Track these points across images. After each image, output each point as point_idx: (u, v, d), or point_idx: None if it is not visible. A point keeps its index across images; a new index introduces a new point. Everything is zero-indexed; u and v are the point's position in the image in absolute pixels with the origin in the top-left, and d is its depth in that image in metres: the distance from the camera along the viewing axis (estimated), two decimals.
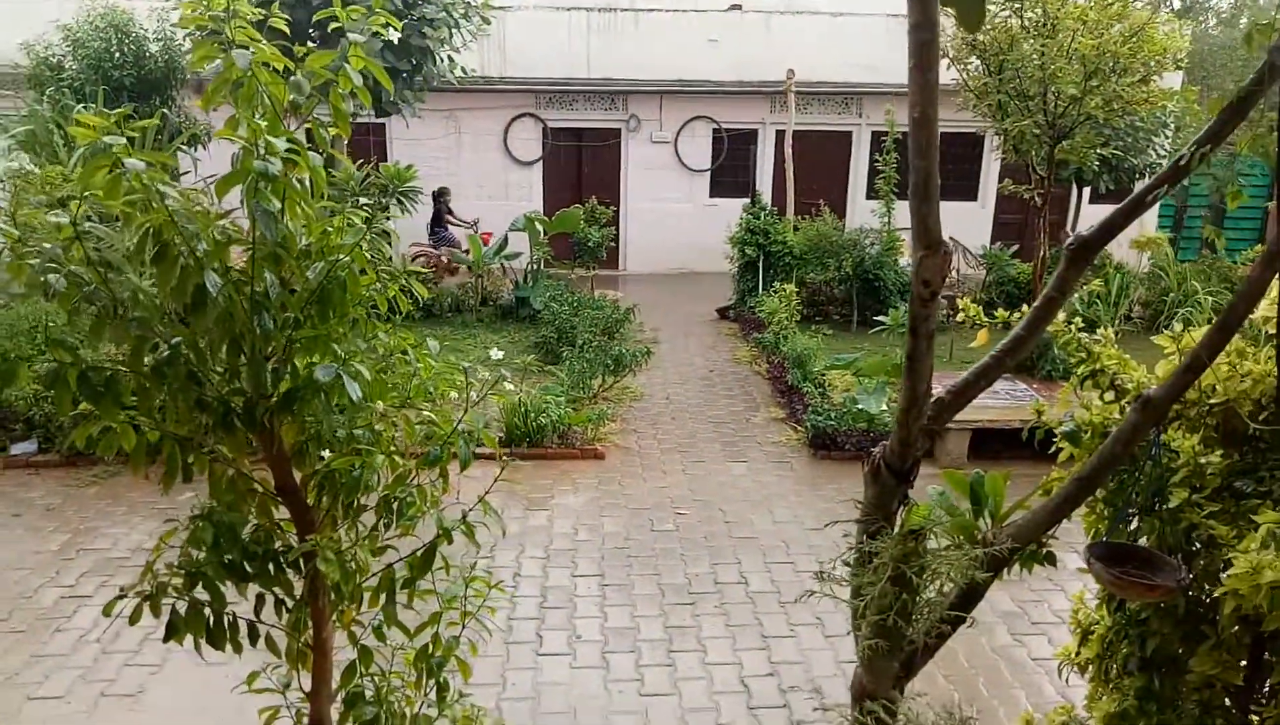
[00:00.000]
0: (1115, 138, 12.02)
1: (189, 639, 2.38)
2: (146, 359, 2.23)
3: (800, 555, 6.24)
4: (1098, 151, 9.63)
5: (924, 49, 1.62)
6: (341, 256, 2.33)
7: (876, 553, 2.13)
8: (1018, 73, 8.90)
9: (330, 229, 2.40)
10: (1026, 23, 8.91)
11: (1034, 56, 8.80)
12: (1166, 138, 13.67)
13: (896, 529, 2.26)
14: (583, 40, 16.62)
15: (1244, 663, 2.67)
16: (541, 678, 4.80)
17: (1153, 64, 8.81)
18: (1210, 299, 11.84)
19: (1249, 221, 18.09)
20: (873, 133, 17.17)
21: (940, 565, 2.10)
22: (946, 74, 9.42)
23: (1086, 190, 14.24)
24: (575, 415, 8.24)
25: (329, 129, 2.42)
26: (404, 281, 2.61)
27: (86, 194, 2.03)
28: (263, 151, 2.10)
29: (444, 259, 13.88)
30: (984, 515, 2.65)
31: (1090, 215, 15.36)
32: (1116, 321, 11.90)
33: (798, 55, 15.54)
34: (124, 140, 1.97)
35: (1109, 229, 2.19)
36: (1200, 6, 27.22)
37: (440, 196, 14.86)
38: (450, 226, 14.76)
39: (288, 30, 2.43)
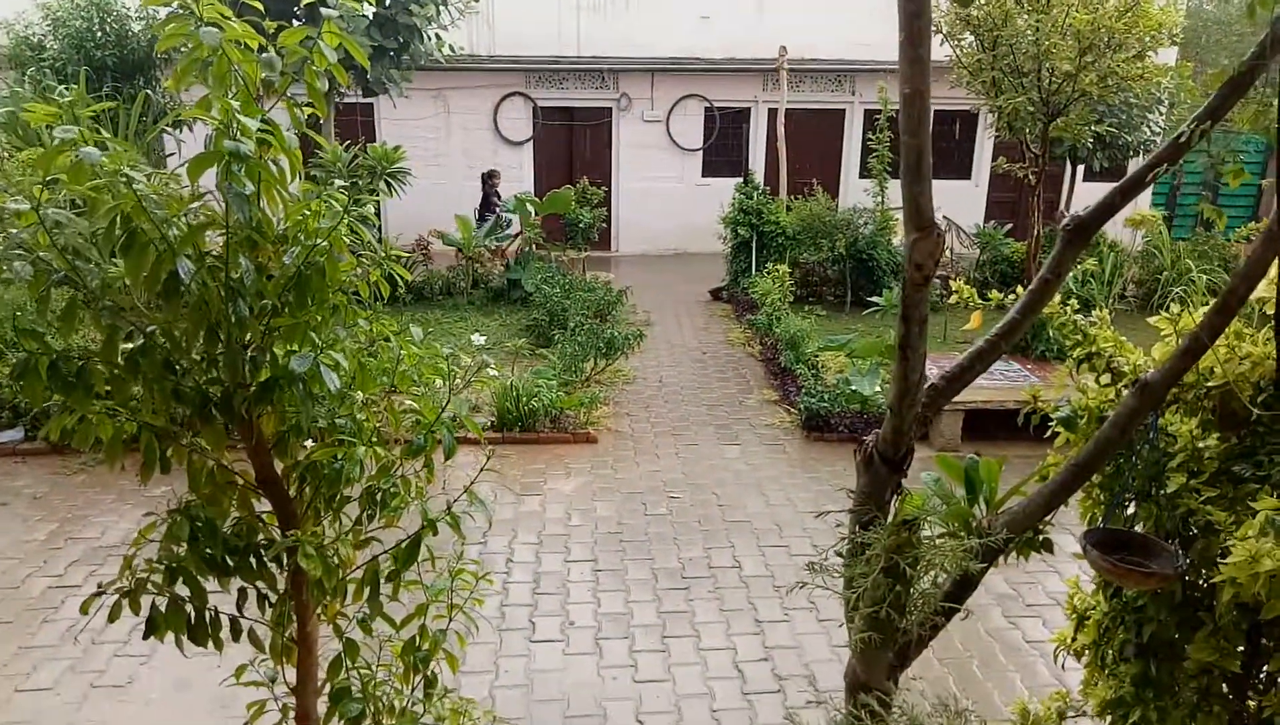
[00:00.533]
0: (1109, 114, 11.94)
1: (171, 635, 2.34)
2: (121, 348, 2.17)
3: (794, 538, 6.22)
4: (1092, 129, 9.55)
5: (914, 20, 1.56)
6: (320, 241, 2.27)
7: (869, 544, 2.09)
8: (1012, 49, 8.81)
9: (308, 212, 2.34)
10: None
11: (1028, 32, 8.72)
12: (1160, 114, 13.60)
13: (890, 519, 2.22)
14: (573, 18, 16.44)
15: (1241, 648, 2.64)
16: (534, 665, 4.77)
17: (1148, 39, 8.72)
18: (1205, 277, 11.81)
19: (1244, 198, 18.06)
20: (865, 111, 17.07)
21: (935, 556, 2.06)
22: (940, 50, 9.32)
23: (1080, 168, 14.18)
24: (567, 399, 8.18)
25: (305, 108, 2.35)
26: (386, 266, 2.56)
27: (51, 179, 1.96)
28: (235, 132, 2.03)
29: (496, 245, 13.57)
30: (979, 502, 2.61)
31: (1084, 193, 15.32)
32: (1110, 300, 11.85)
33: (790, 32, 15.41)
34: (77, 129, 1.90)
35: (1106, 209, 2.14)
36: None
37: (489, 180, 14.45)
38: (499, 210, 14.26)
39: (263, 8, 2.36)
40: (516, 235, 13.65)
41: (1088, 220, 2.10)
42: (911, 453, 2.19)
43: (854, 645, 2.17)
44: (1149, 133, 13.22)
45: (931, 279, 1.81)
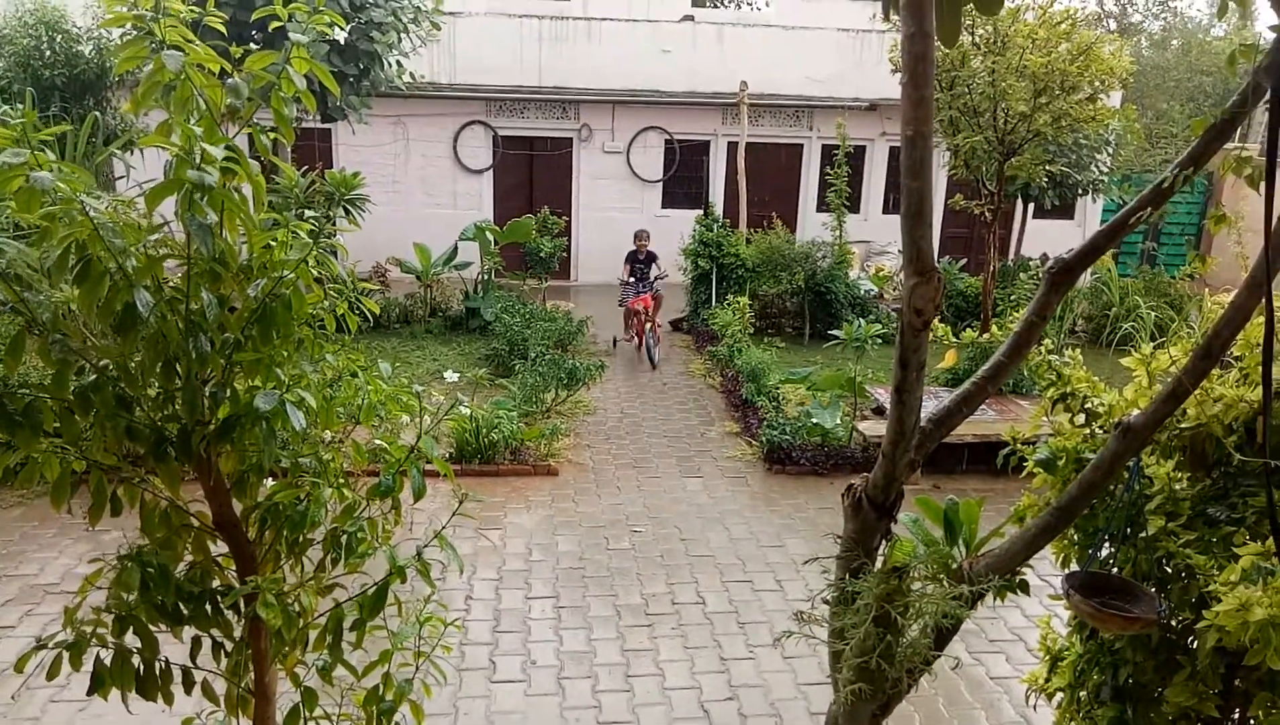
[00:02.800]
0: (1061, 154, 12.23)
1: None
2: (71, 383, 2.05)
3: (757, 573, 6.15)
4: (1046, 168, 9.76)
5: (919, 62, 1.53)
6: (285, 272, 2.18)
7: (859, 592, 2.03)
8: (969, 89, 8.98)
9: (273, 242, 2.25)
10: (977, 39, 9.00)
11: (984, 73, 8.89)
12: (1107, 155, 13.98)
13: (879, 565, 2.17)
14: (534, 48, 16.46)
15: (1217, 691, 2.63)
16: (495, 706, 4.63)
17: (1099, 82, 8.96)
18: (1153, 314, 12.09)
19: (1185, 237, 18.63)
20: (823, 146, 17.29)
21: (925, 604, 2.01)
22: (895, 89, 9.45)
23: (1031, 206, 14.49)
24: (528, 430, 8.06)
25: (270, 134, 2.26)
26: (353, 297, 2.48)
27: None
28: (198, 160, 1.94)
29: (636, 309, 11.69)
30: (958, 544, 2.57)
31: (1035, 230, 15.69)
32: (1061, 335, 12.08)
33: (750, 67, 15.60)
34: (30, 151, 1.79)
35: (1090, 251, 2.13)
36: (1134, 29, 28.11)
37: (636, 240, 12.51)
38: (635, 278, 12.18)
39: (224, 30, 2.28)
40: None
41: (1072, 263, 2.09)
42: (901, 498, 2.15)
43: (843, 697, 2.11)
44: (1097, 172, 13.57)
45: (930, 324, 1.78)
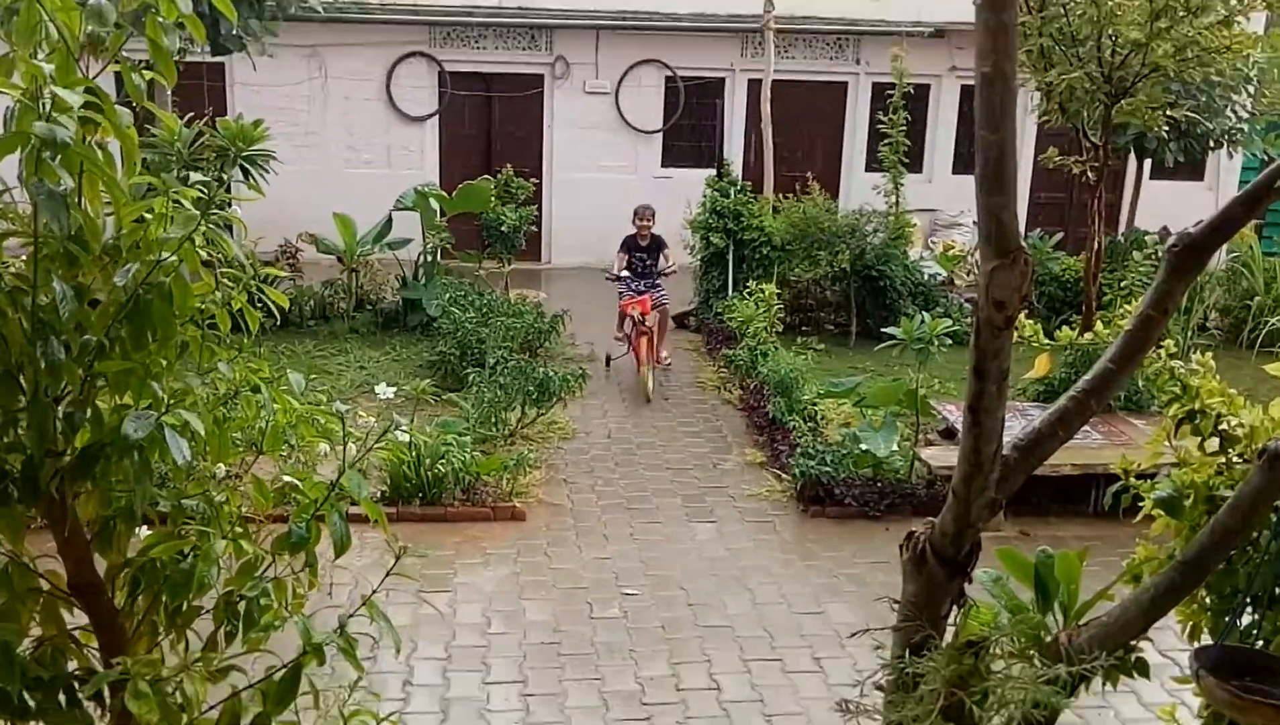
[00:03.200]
0: (1185, 95, 12.27)
1: None
2: None
3: (789, 649, 6.18)
4: (1167, 113, 9.79)
5: None
6: (165, 254, 2.19)
7: (923, 674, 2.05)
8: (1065, 10, 9.02)
9: (148, 215, 2.26)
10: None
11: None
12: (1248, 96, 14.01)
13: (948, 639, 2.19)
14: None
15: None
16: None
17: (1235, 1, 9.00)
18: None
19: None
20: (874, 85, 17.36)
21: (1010, 690, 2.02)
22: (969, 9, 9.47)
23: (1147, 163, 14.53)
24: (485, 461, 8.10)
25: (144, 73, 2.28)
26: (254, 287, 2.49)
27: None
28: (48, 107, 1.95)
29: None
30: (1053, 610, 2.59)
31: (1152, 195, 15.74)
32: (1189, 333, 12.10)
33: None
34: None
35: (1225, 223, 2.15)
36: None
37: (635, 219, 12.01)
38: (633, 270, 11.76)
39: None
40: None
41: (1201, 239, 2.11)
42: (978, 550, 2.16)
43: None
44: (1234, 119, 13.60)
45: (1014, 322, 1.80)
